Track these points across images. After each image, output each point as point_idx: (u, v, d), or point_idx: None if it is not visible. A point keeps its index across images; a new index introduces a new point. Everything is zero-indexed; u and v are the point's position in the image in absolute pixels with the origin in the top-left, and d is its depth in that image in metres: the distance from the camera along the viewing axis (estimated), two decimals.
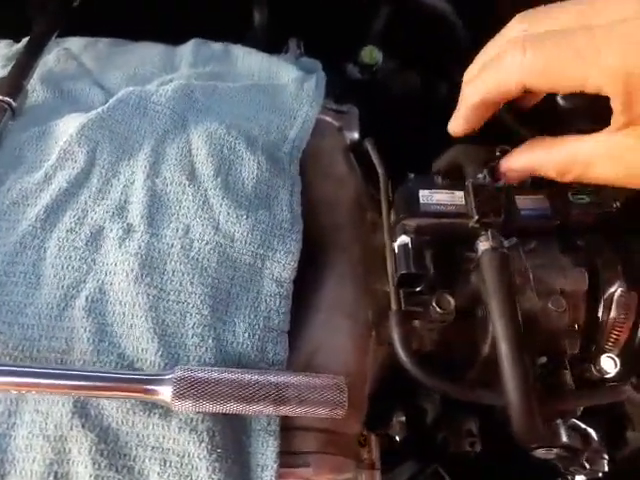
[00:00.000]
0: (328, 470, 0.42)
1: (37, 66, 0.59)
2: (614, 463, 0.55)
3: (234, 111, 0.56)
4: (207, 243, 0.44)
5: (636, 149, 0.32)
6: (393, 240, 0.47)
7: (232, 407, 0.38)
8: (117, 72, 0.61)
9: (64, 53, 0.64)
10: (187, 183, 0.48)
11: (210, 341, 0.41)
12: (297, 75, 0.63)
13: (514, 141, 0.46)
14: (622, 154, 0.33)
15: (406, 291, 0.47)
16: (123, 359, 0.40)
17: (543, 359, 0.49)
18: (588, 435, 0.52)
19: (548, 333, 0.49)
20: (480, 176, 0.47)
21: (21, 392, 0.37)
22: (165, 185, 0.48)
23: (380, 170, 0.55)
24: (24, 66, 0.57)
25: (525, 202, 0.52)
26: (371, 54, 0.84)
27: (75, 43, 0.67)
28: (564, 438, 0.49)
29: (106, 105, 0.51)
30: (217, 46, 0.68)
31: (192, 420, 0.39)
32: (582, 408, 0.49)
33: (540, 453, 0.51)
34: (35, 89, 0.58)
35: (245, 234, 0.46)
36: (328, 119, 0.62)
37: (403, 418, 0.57)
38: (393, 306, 0.46)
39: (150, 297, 0.41)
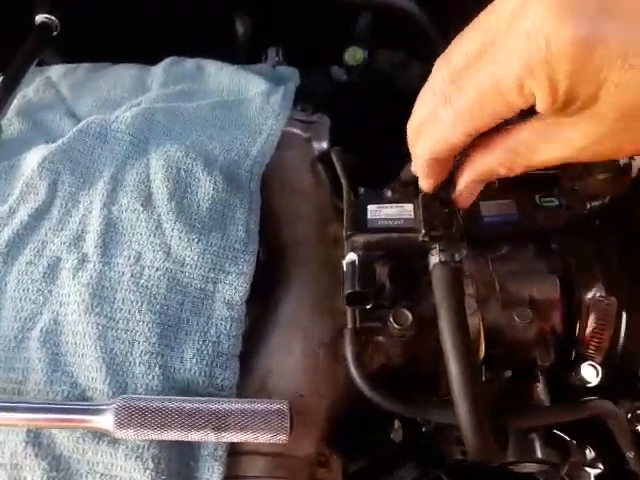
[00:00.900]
0: None
1: (14, 99, 0.62)
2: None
3: (197, 131, 0.57)
4: (157, 269, 0.45)
5: (571, 126, 0.30)
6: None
7: (173, 435, 0.38)
8: (89, 98, 0.63)
9: (44, 82, 0.67)
10: (141, 209, 0.48)
11: (157, 369, 0.42)
12: (264, 88, 0.63)
13: None
14: (559, 133, 0.31)
15: (362, 308, 0.46)
16: (75, 388, 0.42)
17: (509, 373, 0.47)
18: (567, 447, 0.50)
19: (514, 345, 0.47)
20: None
21: None
22: (120, 212, 0.49)
23: (344, 181, 0.54)
24: None
25: (490, 208, 0.50)
26: (355, 55, 0.82)
27: (56, 71, 0.69)
28: (538, 452, 0.48)
29: (67, 136, 0.53)
30: (189, 64, 0.68)
31: (138, 447, 0.39)
32: None
33: (515, 468, 0.49)
34: (12, 122, 0.60)
35: (196, 258, 0.46)
36: (295, 131, 0.61)
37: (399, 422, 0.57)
38: (348, 324, 0.46)
39: (99, 326, 0.42)
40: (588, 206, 0.51)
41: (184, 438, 0.39)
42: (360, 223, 0.45)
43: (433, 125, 0.35)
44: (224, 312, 0.45)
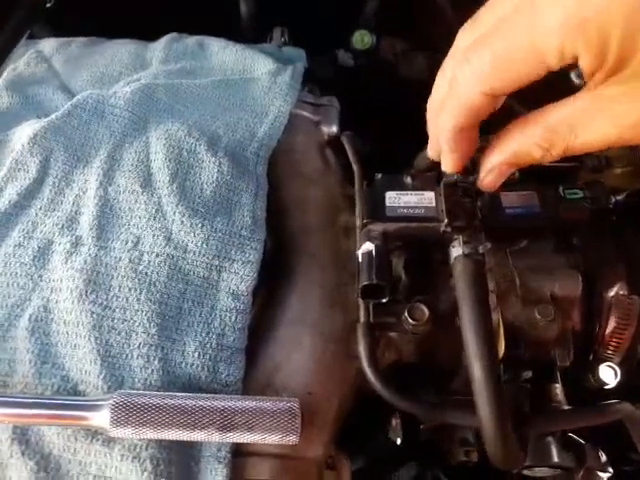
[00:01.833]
0: None
1: (3, 71, 0.58)
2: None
3: (200, 110, 0.53)
4: (157, 255, 0.42)
5: (622, 97, 0.27)
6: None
7: (174, 434, 0.35)
8: (84, 73, 0.59)
9: (35, 56, 0.63)
10: (140, 191, 0.45)
11: (156, 362, 0.38)
12: (272, 67, 0.59)
13: None
14: (607, 107, 0.28)
15: (376, 302, 0.44)
16: (66, 382, 0.38)
17: (529, 373, 0.45)
18: (584, 451, 0.48)
19: (535, 344, 0.45)
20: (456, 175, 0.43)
21: None
22: (118, 193, 0.45)
23: (355, 167, 0.51)
24: None
25: (511, 199, 0.48)
26: (363, 39, 0.79)
27: (48, 44, 0.65)
28: (555, 457, 0.45)
29: (60, 111, 0.49)
30: (191, 41, 0.65)
31: (135, 447, 0.36)
32: None
33: (529, 472, 0.47)
34: (1, 96, 0.56)
35: (199, 244, 0.43)
36: (304, 113, 0.58)
37: (400, 420, 0.54)
38: (361, 318, 0.43)
39: (94, 315, 0.39)
40: (613, 200, 0.48)
41: (186, 438, 0.36)
42: (378, 211, 0.42)
43: (452, 90, 0.32)
44: (229, 303, 0.42)
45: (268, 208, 0.48)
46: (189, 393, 0.37)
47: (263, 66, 0.60)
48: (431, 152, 0.39)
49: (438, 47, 0.41)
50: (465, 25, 0.33)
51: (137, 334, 0.39)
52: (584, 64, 0.27)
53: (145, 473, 0.36)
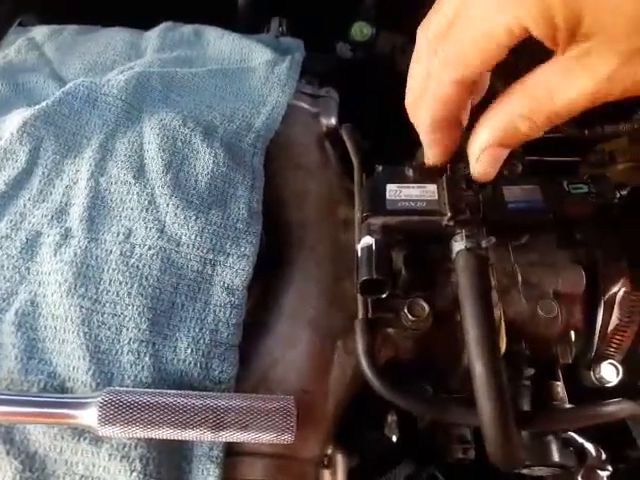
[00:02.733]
0: None
1: None
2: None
3: (195, 99, 0.52)
4: (149, 248, 0.41)
5: (588, 54, 0.28)
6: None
7: (165, 433, 0.34)
8: (77, 61, 0.58)
9: (27, 43, 0.61)
10: (133, 182, 0.44)
11: (147, 358, 0.37)
12: (270, 57, 0.58)
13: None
14: (578, 64, 0.28)
15: (375, 297, 0.42)
16: (53, 378, 0.37)
17: (530, 371, 0.44)
18: (584, 450, 0.47)
19: (537, 341, 0.44)
20: (461, 165, 0.42)
21: None
22: (109, 184, 0.44)
23: (355, 160, 0.50)
24: None
25: (514, 193, 0.46)
26: (362, 30, 0.78)
27: (40, 32, 0.63)
28: (556, 456, 0.44)
29: (51, 99, 0.48)
30: (187, 29, 0.63)
31: (124, 446, 0.35)
32: None
33: (529, 472, 0.46)
34: None
35: (193, 237, 0.41)
36: (302, 104, 0.57)
37: (396, 417, 0.53)
38: (359, 314, 0.42)
39: (83, 310, 0.38)
40: (618, 195, 0.47)
41: (177, 437, 0.34)
42: (378, 204, 0.41)
43: (426, 86, 0.33)
44: (223, 298, 0.40)
45: (265, 201, 0.47)
46: (181, 390, 0.36)
47: (260, 56, 0.59)
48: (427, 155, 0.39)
49: None
50: (422, 24, 0.34)
51: (128, 329, 0.38)
52: (538, 34, 0.28)
53: (134, 473, 0.34)
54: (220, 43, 0.61)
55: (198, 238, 0.41)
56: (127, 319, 0.38)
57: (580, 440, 0.48)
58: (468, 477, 0.62)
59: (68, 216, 0.43)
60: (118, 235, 0.41)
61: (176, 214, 0.42)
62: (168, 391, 0.35)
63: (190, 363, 0.38)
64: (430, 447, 0.57)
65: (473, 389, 0.36)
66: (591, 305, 0.47)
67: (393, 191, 0.41)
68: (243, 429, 0.34)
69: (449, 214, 0.39)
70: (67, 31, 0.63)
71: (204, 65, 0.58)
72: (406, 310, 0.42)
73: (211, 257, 0.41)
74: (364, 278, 0.39)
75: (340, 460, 0.43)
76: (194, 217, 0.42)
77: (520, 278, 0.45)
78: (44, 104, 0.47)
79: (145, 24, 0.66)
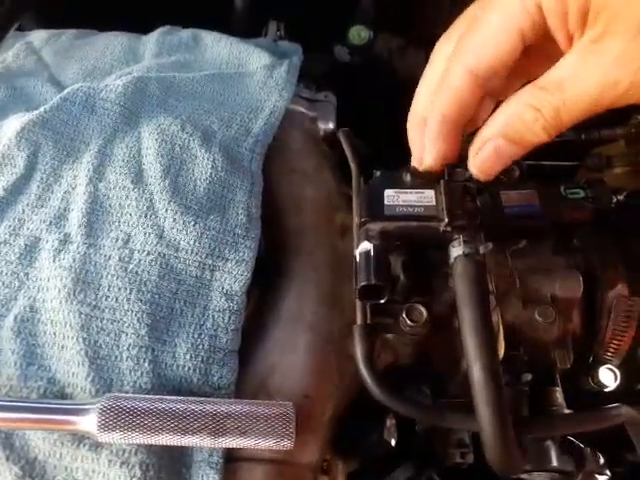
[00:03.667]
0: None
1: None
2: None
3: (193, 104, 0.52)
4: (148, 254, 0.41)
5: (602, 45, 0.28)
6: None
7: (165, 439, 0.34)
8: (75, 66, 0.58)
9: (25, 48, 0.61)
10: (131, 187, 0.44)
11: (146, 364, 0.37)
12: (268, 62, 0.58)
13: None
14: (591, 58, 0.29)
15: (373, 303, 0.42)
16: (53, 384, 0.37)
17: (528, 376, 0.44)
18: (583, 455, 0.47)
19: (535, 346, 0.44)
20: (459, 170, 0.42)
21: None
22: (108, 189, 0.44)
23: (353, 165, 0.50)
24: None
25: (511, 198, 0.47)
26: (359, 34, 0.78)
27: (38, 36, 0.63)
28: (554, 461, 0.45)
29: (49, 104, 0.48)
30: (185, 33, 0.63)
31: (124, 452, 0.35)
32: None
33: (528, 477, 0.46)
34: None
35: (192, 242, 0.41)
36: (300, 109, 0.57)
37: (395, 421, 0.53)
38: (358, 319, 0.42)
39: (82, 315, 0.38)
40: (615, 199, 0.47)
41: (177, 443, 0.34)
42: (376, 209, 0.41)
43: (443, 81, 0.35)
44: (222, 303, 0.41)
45: (263, 206, 0.47)
46: (180, 396, 0.36)
47: (258, 60, 0.59)
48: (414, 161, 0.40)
49: (434, 43, 0.41)
50: (444, 35, 0.37)
51: (127, 335, 0.38)
52: (550, 15, 0.29)
53: (134, 479, 0.34)
54: (218, 47, 0.61)
55: (197, 243, 0.42)
56: (126, 325, 0.38)
57: (579, 445, 0.48)
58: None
59: (67, 222, 0.43)
60: (117, 241, 0.41)
61: (175, 219, 0.42)
62: (167, 397, 0.35)
63: (189, 369, 0.38)
64: (428, 451, 0.57)
65: (471, 394, 0.37)
66: (589, 310, 0.47)
67: (391, 196, 0.41)
68: (242, 435, 0.35)
69: (446, 220, 0.39)
70: (65, 36, 0.63)
71: (202, 70, 0.58)
72: (404, 315, 0.42)
73: (210, 262, 0.41)
74: (362, 283, 0.39)
75: (339, 465, 0.43)
76: (193, 222, 0.42)
77: (518, 283, 0.45)
78: (42, 109, 0.47)
79: (143, 28, 0.67)
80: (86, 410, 0.34)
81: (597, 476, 0.49)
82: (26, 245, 0.41)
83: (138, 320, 0.38)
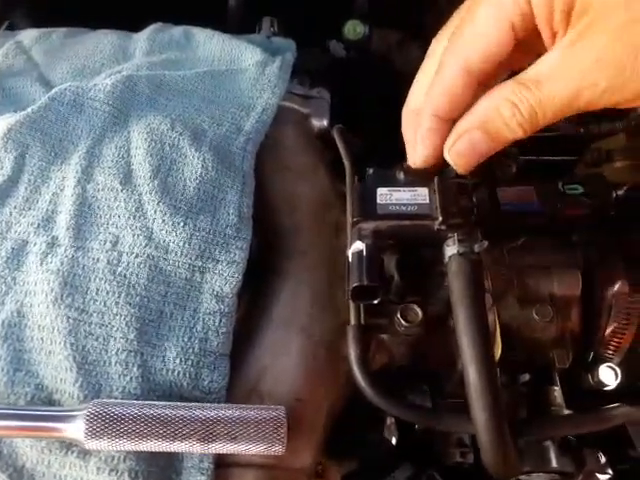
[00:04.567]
0: None
1: None
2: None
3: (183, 103, 0.51)
4: (137, 256, 0.40)
5: (585, 40, 0.28)
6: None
7: (154, 445, 0.34)
8: (65, 65, 0.57)
9: (14, 47, 0.60)
10: (120, 188, 0.43)
11: (135, 369, 0.37)
12: (260, 58, 0.57)
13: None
14: (572, 54, 0.29)
15: (368, 303, 0.42)
16: (41, 390, 0.36)
17: (526, 376, 0.43)
18: (583, 455, 0.46)
19: (532, 346, 0.43)
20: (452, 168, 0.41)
21: None
22: (96, 191, 0.43)
23: (347, 162, 0.49)
24: None
25: (508, 195, 0.46)
26: (355, 29, 0.77)
27: (28, 35, 0.62)
28: (554, 462, 0.44)
29: (37, 104, 0.47)
30: (177, 31, 0.62)
31: (112, 459, 0.35)
32: None
33: (525, 478, 0.45)
34: None
35: (181, 244, 0.41)
36: (293, 106, 0.56)
37: (394, 419, 0.53)
38: (351, 320, 0.41)
39: (70, 320, 0.37)
40: (614, 194, 0.46)
41: (166, 449, 0.34)
42: (369, 208, 0.40)
43: (436, 76, 0.34)
44: (212, 305, 0.40)
45: (255, 205, 0.46)
46: (169, 402, 0.35)
47: (251, 57, 0.58)
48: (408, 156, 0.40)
49: (431, 38, 0.40)
50: (438, 34, 0.37)
51: (115, 339, 0.37)
52: (538, 16, 0.29)
53: None
54: (210, 44, 0.60)
55: (186, 245, 0.41)
56: (115, 329, 0.37)
57: (579, 445, 0.47)
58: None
59: (55, 224, 0.42)
60: (105, 243, 0.40)
61: (164, 220, 0.41)
62: (156, 402, 0.35)
63: (179, 373, 0.37)
64: (429, 450, 0.56)
65: (466, 396, 0.36)
66: (588, 308, 0.46)
67: (384, 195, 0.40)
68: (233, 440, 0.34)
69: (441, 218, 0.39)
70: (55, 34, 0.62)
71: (193, 67, 0.57)
72: (399, 316, 0.42)
73: (200, 264, 0.41)
74: (355, 284, 0.39)
75: (333, 469, 0.43)
76: (182, 223, 0.41)
77: (515, 281, 0.44)
78: (29, 110, 0.46)
79: (135, 25, 0.66)
80: (73, 417, 0.33)
81: (598, 475, 0.48)
82: (13, 248, 0.41)
83: (127, 324, 0.37)
